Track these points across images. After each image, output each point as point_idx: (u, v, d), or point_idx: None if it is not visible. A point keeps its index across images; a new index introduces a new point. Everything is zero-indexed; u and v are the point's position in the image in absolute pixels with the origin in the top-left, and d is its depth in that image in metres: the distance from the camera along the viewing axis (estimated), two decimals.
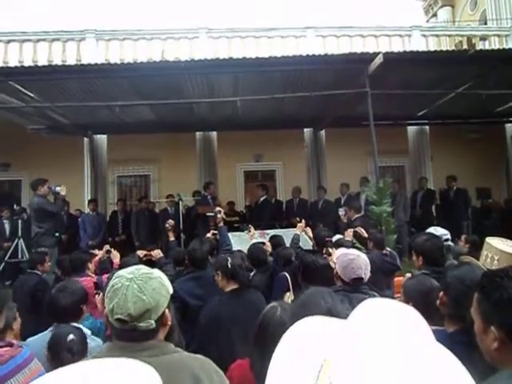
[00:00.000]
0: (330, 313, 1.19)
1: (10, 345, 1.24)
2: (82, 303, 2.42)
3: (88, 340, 2.08)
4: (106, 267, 4.08)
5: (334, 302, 1.31)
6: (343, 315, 0.63)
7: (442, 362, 0.51)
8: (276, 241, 4.68)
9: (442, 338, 1.46)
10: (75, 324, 2.25)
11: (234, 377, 1.71)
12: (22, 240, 6.95)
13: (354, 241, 4.40)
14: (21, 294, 3.90)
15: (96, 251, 4.42)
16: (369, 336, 0.55)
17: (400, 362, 0.49)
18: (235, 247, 4.56)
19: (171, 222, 5.20)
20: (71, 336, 1.88)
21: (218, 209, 4.59)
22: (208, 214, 6.67)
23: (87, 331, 2.28)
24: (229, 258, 2.84)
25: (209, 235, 4.37)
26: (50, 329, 2.25)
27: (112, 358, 0.68)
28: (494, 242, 2.67)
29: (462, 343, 1.30)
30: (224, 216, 4.64)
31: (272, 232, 5.85)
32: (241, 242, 5.52)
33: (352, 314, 0.65)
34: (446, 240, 3.53)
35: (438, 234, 3.31)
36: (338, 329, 0.63)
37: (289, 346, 0.64)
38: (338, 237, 4.58)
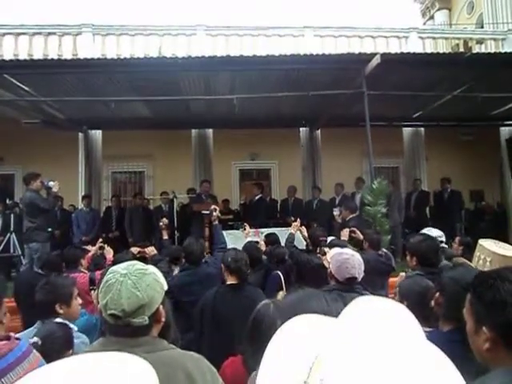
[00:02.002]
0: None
1: (7, 338, 1.23)
2: (58, 301, 2.29)
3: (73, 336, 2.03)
4: (99, 263, 4.05)
5: (329, 307, 1.28)
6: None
7: (432, 360, 0.51)
8: (272, 238, 4.68)
9: (437, 337, 1.46)
10: (60, 320, 2.18)
11: (227, 373, 1.71)
12: (14, 234, 6.89)
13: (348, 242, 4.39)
14: (21, 290, 3.84)
15: (89, 247, 4.39)
16: (360, 334, 0.55)
17: (390, 359, 0.49)
18: (230, 245, 4.56)
19: (165, 220, 5.15)
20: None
21: (213, 207, 4.58)
22: (203, 211, 6.64)
23: (74, 327, 2.23)
24: (233, 253, 2.86)
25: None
26: (34, 326, 2.19)
27: (108, 352, 0.68)
28: (487, 244, 2.70)
29: (456, 342, 1.31)
30: (219, 214, 4.64)
31: (266, 231, 5.84)
32: (235, 240, 5.51)
33: (343, 312, 0.65)
34: (441, 242, 3.54)
35: (432, 235, 3.32)
36: (330, 327, 0.63)
37: (281, 342, 0.64)
38: (331, 238, 4.56)
